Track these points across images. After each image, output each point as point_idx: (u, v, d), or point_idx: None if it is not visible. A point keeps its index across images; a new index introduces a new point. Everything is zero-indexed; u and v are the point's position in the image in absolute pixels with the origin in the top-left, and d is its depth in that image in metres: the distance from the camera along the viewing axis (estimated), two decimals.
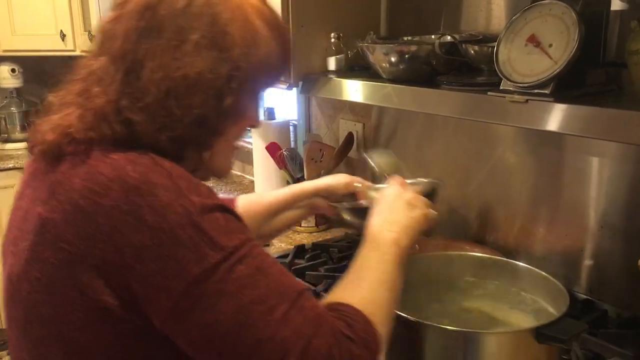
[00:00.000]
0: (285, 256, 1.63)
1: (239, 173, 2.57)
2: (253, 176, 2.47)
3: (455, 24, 1.55)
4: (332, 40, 1.62)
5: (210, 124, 0.79)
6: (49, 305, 0.75)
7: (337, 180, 1.18)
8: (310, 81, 1.60)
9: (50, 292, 0.74)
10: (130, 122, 0.75)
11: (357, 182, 1.16)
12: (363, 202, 1.10)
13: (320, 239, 1.80)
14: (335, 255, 1.62)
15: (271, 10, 0.84)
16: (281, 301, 0.72)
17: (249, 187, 2.38)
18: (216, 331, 0.70)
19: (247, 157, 2.49)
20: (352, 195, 1.15)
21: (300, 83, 1.62)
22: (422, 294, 1.13)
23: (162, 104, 0.75)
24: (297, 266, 1.55)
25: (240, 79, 0.78)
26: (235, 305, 0.70)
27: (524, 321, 1.05)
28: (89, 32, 2.77)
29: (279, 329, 0.71)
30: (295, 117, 2.16)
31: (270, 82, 0.86)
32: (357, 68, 1.65)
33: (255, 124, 0.89)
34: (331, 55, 1.62)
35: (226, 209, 0.75)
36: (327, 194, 1.18)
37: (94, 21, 2.73)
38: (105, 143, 0.75)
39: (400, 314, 0.95)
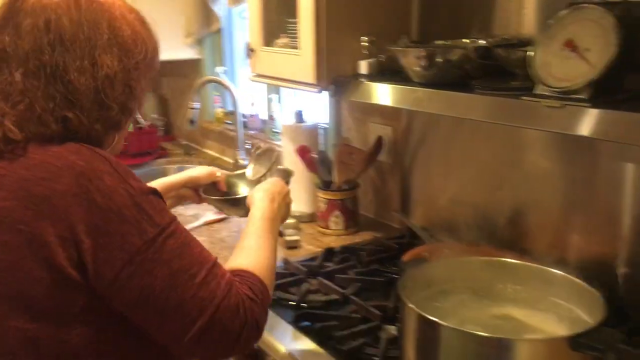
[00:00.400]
0: (314, 259, 1.64)
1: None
2: None
3: (486, 27, 1.54)
4: (364, 43, 1.62)
5: (128, 110, 0.97)
6: (13, 284, 0.85)
7: (199, 171, 1.38)
8: (341, 84, 1.60)
9: (14, 272, 0.85)
10: (65, 119, 0.89)
11: (217, 172, 1.37)
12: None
13: (349, 242, 1.80)
14: (365, 258, 1.61)
15: (137, 11, 1.02)
16: (200, 269, 0.90)
17: None
18: (151, 292, 0.86)
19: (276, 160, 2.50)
20: (214, 184, 1.38)
21: (331, 86, 1.62)
22: (453, 300, 1.12)
23: (94, 100, 0.91)
24: (326, 269, 1.56)
25: (140, 69, 0.97)
26: (166, 272, 0.87)
27: (558, 329, 1.03)
28: None
29: (199, 291, 0.88)
30: (325, 120, 2.16)
31: (157, 67, 1.03)
32: (388, 72, 1.65)
33: (142, 106, 1.06)
34: (362, 59, 1.62)
35: (156, 192, 0.92)
36: (193, 185, 1.37)
37: None
38: (39, 140, 0.88)
39: (432, 319, 0.95)
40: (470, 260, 1.20)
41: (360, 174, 1.87)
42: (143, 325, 0.90)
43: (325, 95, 1.91)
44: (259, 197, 1.19)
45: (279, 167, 1.38)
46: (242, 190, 1.42)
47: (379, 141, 1.84)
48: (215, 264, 0.94)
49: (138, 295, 0.87)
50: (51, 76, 0.89)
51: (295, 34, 1.76)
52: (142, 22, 1.01)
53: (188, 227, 1.94)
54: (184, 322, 0.88)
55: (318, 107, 2.28)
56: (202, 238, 1.86)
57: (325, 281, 1.46)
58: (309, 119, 2.04)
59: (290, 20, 1.78)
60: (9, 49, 0.90)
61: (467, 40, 1.43)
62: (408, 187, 1.85)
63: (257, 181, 1.37)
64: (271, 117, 2.52)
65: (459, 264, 1.18)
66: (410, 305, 0.99)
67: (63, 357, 0.88)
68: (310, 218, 2.01)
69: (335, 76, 1.62)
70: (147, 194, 0.90)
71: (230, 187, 1.43)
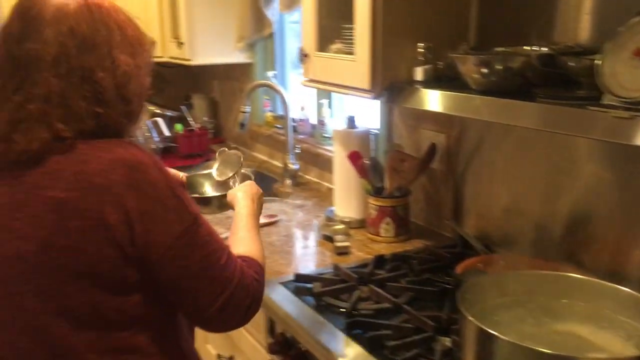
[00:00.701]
0: (364, 265, 1.63)
1: (317, 180, 2.59)
2: (331, 184, 2.48)
3: (545, 34, 1.50)
4: (420, 50, 1.60)
5: (142, 103, 1.09)
6: (82, 262, 0.96)
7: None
8: (396, 91, 1.59)
9: (82, 252, 0.96)
10: (97, 115, 0.99)
11: (182, 174, 1.44)
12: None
13: (400, 250, 1.78)
14: (416, 267, 1.59)
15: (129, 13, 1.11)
16: (222, 254, 1.05)
17: (327, 194, 2.39)
18: (187, 272, 1.01)
19: (325, 165, 2.50)
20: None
21: (386, 93, 1.61)
22: (512, 314, 1.10)
23: (117, 95, 1.01)
24: (378, 276, 1.54)
25: (146, 64, 1.08)
26: (199, 256, 1.02)
27: (625, 349, 0.99)
28: (177, 39, 2.87)
29: (223, 272, 1.04)
30: (376, 126, 2.15)
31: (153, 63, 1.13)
32: (444, 79, 1.63)
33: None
34: (418, 65, 1.60)
35: (184, 185, 1.13)
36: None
37: (184, 29, 2.82)
38: (81, 136, 0.98)
39: (493, 333, 0.92)
40: (531, 274, 1.17)
41: (412, 181, 1.85)
42: (176, 298, 1.05)
43: (377, 101, 1.90)
44: (241, 197, 1.34)
45: (242, 170, 1.49)
46: (208, 189, 1.53)
47: (432, 148, 1.82)
48: (230, 251, 1.08)
49: (176, 274, 1.01)
50: (80, 77, 0.99)
51: (350, 39, 1.75)
52: (136, 22, 1.11)
53: None
54: (210, 298, 1.03)
55: (369, 113, 2.27)
56: None
57: (377, 289, 1.45)
58: (361, 125, 2.03)
59: (345, 25, 1.78)
60: (37, 56, 0.98)
61: (528, 48, 1.39)
62: (461, 196, 1.82)
63: (224, 182, 1.48)
64: (321, 122, 2.53)
65: (519, 277, 1.15)
66: (471, 318, 0.97)
67: (121, 323, 1.01)
68: (360, 224, 1.99)
69: (390, 82, 1.61)
70: (181, 187, 1.06)
71: (195, 186, 1.51)
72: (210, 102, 3.51)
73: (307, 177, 2.63)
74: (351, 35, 1.75)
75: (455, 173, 1.83)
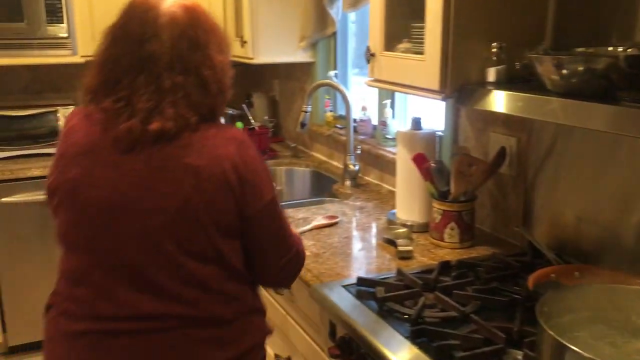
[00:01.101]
0: (429, 271, 1.58)
1: (377, 182, 2.55)
2: (392, 186, 2.44)
3: (627, 34, 1.41)
4: (494, 50, 1.54)
5: (229, 92, 1.31)
6: (213, 215, 1.21)
7: None
8: (467, 92, 1.54)
9: (212, 207, 1.21)
10: (207, 103, 1.24)
11: None
12: None
13: (465, 256, 1.73)
14: (483, 275, 1.54)
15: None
16: (289, 227, 1.38)
17: (387, 197, 2.35)
18: (267, 233, 1.31)
19: (386, 167, 2.46)
20: None
21: (456, 94, 1.56)
22: (592, 329, 1.03)
23: (218, 88, 1.26)
24: (443, 284, 1.49)
25: (229, 61, 1.32)
26: (277, 223, 1.32)
27: None
28: (241, 38, 2.88)
29: (291, 237, 1.37)
30: (441, 128, 2.10)
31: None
32: (517, 80, 1.57)
33: None
34: (490, 66, 1.55)
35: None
36: None
37: (247, 28, 2.83)
38: (201, 122, 1.23)
39: (576, 350, 0.87)
40: (613, 288, 1.10)
41: (479, 185, 1.79)
42: (252, 254, 1.31)
43: (442, 102, 1.85)
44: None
45: None
46: None
47: (502, 152, 1.75)
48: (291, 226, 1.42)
49: (258, 234, 1.29)
50: (193, 73, 1.22)
51: (419, 39, 1.71)
52: (213, 17, 1.31)
53: (298, 230, 1.94)
54: (276, 258, 1.34)
55: (434, 114, 2.22)
56: (310, 242, 1.86)
57: (443, 296, 1.40)
58: (426, 126, 1.98)
59: (415, 24, 1.74)
60: (158, 56, 1.21)
61: (611, 48, 1.32)
62: (531, 202, 1.75)
63: None
64: (383, 123, 2.49)
65: (600, 291, 1.08)
66: (550, 332, 0.92)
67: (224, 259, 1.25)
68: (423, 228, 1.94)
69: (460, 83, 1.56)
70: (268, 165, 1.36)
71: None
72: (270, 101, 3.52)
73: (367, 178, 2.60)
74: (421, 35, 1.71)
75: (526, 178, 1.76)
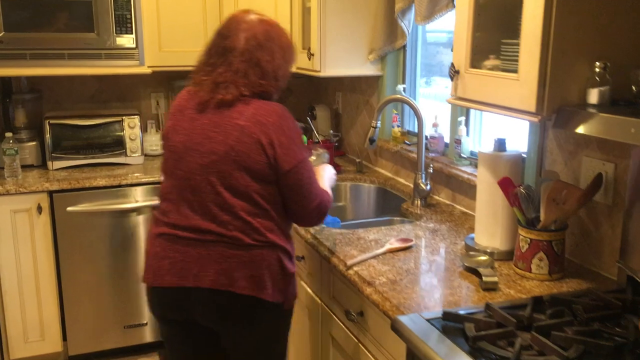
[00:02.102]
0: (520, 307, 1.46)
1: (449, 202, 2.44)
2: (465, 207, 2.32)
3: None
4: (597, 70, 1.42)
5: (284, 83, 1.82)
6: (247, 162, 1.67)
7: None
8: (566, 115, 1.42)
9: (247, 156, 1.67)
10: (261, 84, 1.73)
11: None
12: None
13: (556, 291, 1.60)
14: (581, 314, 1.41)
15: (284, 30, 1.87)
16: (317, 182, 1.81)
17: (461, 219, 2.24)
18: (301, 182, 1.73)
19: (459, 187, 2.35)
20: None
21: (554, 116, 1.45)
22: None
23: (272, 76, 1.76)
24: (539, 322, 1.37)
25: (290, 62, 1.83)
26: (307, 177, 1.75)
27: None
28: (308, 50, 2.83)
29: (317, 189, 1.80)
30: (524, 149, 1.97)
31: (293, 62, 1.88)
32: (621, 102, 1.45)
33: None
34: (592, 86, 1.43)
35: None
36: None
37: (315, 40, 2.77)
38: (254, 97, 1.72)
39: None
40: None
41: (571, 214, 1.66)
42: (290, 197, 1.75)
43: (524, 122, 1.74)
44: (321, 168, 2.07)
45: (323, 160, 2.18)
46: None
47: (599, 179, 1.62)
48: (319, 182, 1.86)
49: (293, 183, 1.72)
50: (255, 63, 1.73)
51: (510, 56, 1.60)
52: (287, 35, 1.84)
53: (371, 254, 1.85)
54: (309, 200, 1.77)
55: (513, 133, 2.10)
56: (385, 267, 1.77)
57: (541, 338, 1.28)
58: (510, 148, 1.86)
59: (506, 41, 1.63)
60: (232, 48, 1.73)
61: None
62: (629, 234, 1.61)
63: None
64: (457, 141, 2.38)
65: None
66: None
67: (252, 197, 1.70)
68: (505, 256, 1.83)
69: (559, 105, 1.44)
70: (302, 136, 1.96)
71: None
72: (333, 113, 3.45)
73: (437, 198, 2.49)
74: (511, 52, 1.60)
75: (625, 208, 1.63)
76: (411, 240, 1.96)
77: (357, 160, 2.99)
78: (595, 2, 1.41)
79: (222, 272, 1.68)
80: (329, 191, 1.88)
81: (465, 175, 2.28)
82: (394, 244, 1.94)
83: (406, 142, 2.75)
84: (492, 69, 1.68)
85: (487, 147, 1.89)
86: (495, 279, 1.63)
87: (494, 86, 1.60)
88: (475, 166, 2.34)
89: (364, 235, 2.07)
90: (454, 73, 1.74)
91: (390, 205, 2.66)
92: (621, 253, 1.63)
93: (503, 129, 2.27)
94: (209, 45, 1.78)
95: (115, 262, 2.95)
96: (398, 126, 2.86)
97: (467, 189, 2.32)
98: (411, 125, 2.91)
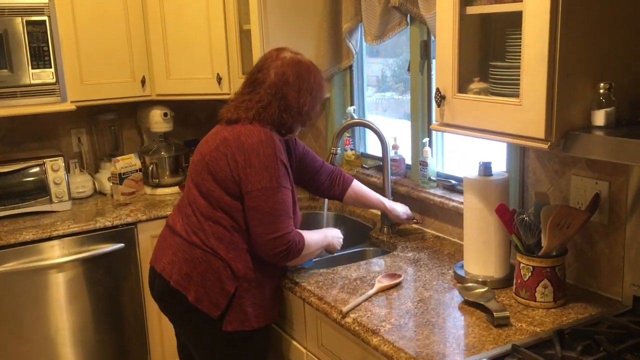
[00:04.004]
0: (547, 343, 1.38)
1: (417, 226, 2.35)
2: (436, 231, 2.25)
3: None
4: (602, 91, 1.38)
5: (309, 120, 1.96)
6: (214, 167, 1.84)
7: (400, 211, 2.25)
8: (574, 139, 1.36)
9: (216, 162, 1.84)
10: (282, 117, 1.88)
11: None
12: None
13: (565, 318, 1.55)
14: (610, 347, 1.35)
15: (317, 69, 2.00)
16: (286, 217, 1.82)
17: (436, 244, 2.16)
18: (259, 209, 1.79)
19: (427, 210, 2.27)
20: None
21: (562, 141, 1.38)
22: None
23: (296, 112, 1.89)
24: None
25: (317, 103, 1.95)
26: (270, 206, 1.79)
27: None
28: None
29: (280, 223, 1.80)
30: (501, 169, 1.92)
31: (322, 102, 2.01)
32: (624, 122, 1.41)
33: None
34: (598, 108, 1.38)
35: (285, 165, 1.84)
36: (386, 213, 2.26)
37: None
38: (267, 124, 1.87)
39: None
40: None
41: (571, 238, 1.61)
42: (250, 220, 1.81)
43: (500, 144, 1.69)
44: (326, 229, 2.13)
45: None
46: None
47: (597, 199, 1.59)
48: (291, 221, 1.84)
49: (254, 205, 1.79)
50: (280, 97, 1.86)
51: (499, 79, 1.54)
52: (318, 71, 1.96)
53: (363, 296, 1.72)
54: (264, 230, 1.79)
55: (478, 151, 2.04)
56: (384, 310, 1.65)
57: None
58: (497, 172, 1.80)
59: (495, 64, 1.56)
60: (262, 81, 1.88)
61: None
62: (627, 252, 1.58)
63: None
64: (423, 163, 2.30)
65: None
66: None
67: (218, 209, 1.84)
68: (499, 284, 1.76)
69: (566, 129, 1.38)
70: (281, 164, 1.82)
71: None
72: None
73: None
74: (502, 75, 1.53)
75: (621, 226, 1.60)
76: (400, 276, 1.85)
77: None
78: (596, 22, 1.37)
79: (170, 262, 1.88)
80: (310, 241, 1.88)
81: (437, 199, 2.20)
82: (382, 281, 1.82)
83: (364, 165, 2.65)
84: (479, 92, 1.60)
85: (471, 171, 1.81)
86: (507, 313, 1.54)
87: (489, 112, 1.53)
88: (444, 188, 2.28)
89: (345, 274, 1.93)
90: (440, 99, 1.65)
91: (354, 234, 2.53)
92: (622, 272, 1.61)
93: (469, 148, 2.22)
94: (245, 78, 1.97)
95: (47, 328, 2.61)
96: (352, 149, 2.75)
97: (437, 211, 2.25)
98: (363, 147, 2.81)
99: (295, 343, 1.99)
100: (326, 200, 2.35)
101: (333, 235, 2.05)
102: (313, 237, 1.91)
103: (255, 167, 1.77)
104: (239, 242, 1.83)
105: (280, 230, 1.78)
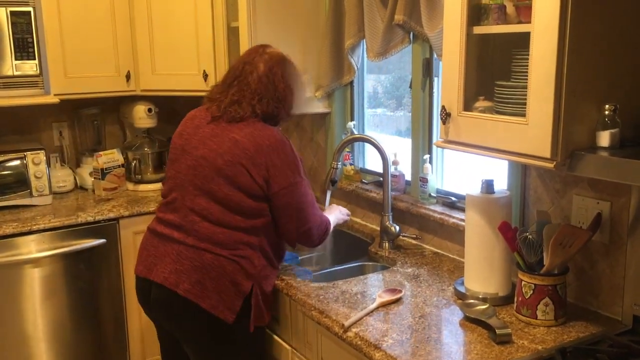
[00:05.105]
0: None
1: (416, 242, 2.36)
2: (435, 248, 2.25)
3: None
4: (607, 112, 1.40)
5: (291, 112, 2.01)
6: (232, 171, 1.83)
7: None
8: (580, 159, 1.38)
9: (234, 166, 1.83)
10: (275, 106, 1.93)
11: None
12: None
13: (566, 337, 1.56)
14: None
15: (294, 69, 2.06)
16: (312, 206, 1.96)
17: (435, 260, 2.17)
18: (288, 206, 1.89)
19: (426, 226, 2.28)
20: None
21: (568, 161, 1.40)
22: None
23: (286, 103, 1.97)
24: None
25: (294, 94, 2.00)
26: (297, 200, 1.89)
27: None
28: None
29: (309, 215, 1.94)
30: (502, 188, 1.94)
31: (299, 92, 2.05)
32: (627, 143, 1.43)
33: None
34: (604, 129, 1.40)
35: (299, 158, 1.93)
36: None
37: None
38: (260, 118, 1.91)
39: None
40: None
41: (573, 256, 1.63)
42: (277, 218, 1.90)
43: (503, 161, 1.71)
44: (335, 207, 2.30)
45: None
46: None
47: (599, 219, 1.61)
48: (317, 206, 1.99)
49: (281, 204, 1.87)
50: (272, 88, 1.93)
51: (505, 98, 1.56)
52: (296, 67, 2.03)
53: (365, 311, 1.72)
54: (294, 226, 1.91)
55: (480, 169, 2.06)
56: (385, 325, 1.65)
57: None
58: (499, 189, 1.81)
59: (500, 82, 1.58)
60: (250, 72, 1.93)
61: None
62: (628, 271, 1.60)
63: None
64: (423, 179, 2.31)
65: None
66: None
67: (238, 213, 1.85)
68: (500, 301, 1.77)
69: (572, 149, 1.40)
70: (297, 158, 1.91)
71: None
72: None
73: (403, 239, 2.40)
74: (507, 94, 1.56)
75: (622, 245, 1.62)
76: (400, 291, 1.85)
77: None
78: (603, 44, 1.40)
79: (174, 272, 1.83)
80: (332, 220, 2.10)
81: (437, 215, 2.21)
82: (383, 296, 1.82)
83: (363, 181, 2.66)
84: (484, 111, 1.62)
85: (473, 188, 1.83)
86: (509, 330, 1.55)
87: (495, 130, 1.54)
88: (443, 204, 2.29)
89: (346, 288, 1.93)
90: (445, 116, 1.67)
91: (353, 248, 2.54)
92: (623, 291, 1.62)
93: (470, 165, 2.24)
94: (229, 68, 2.02)
95: (24, 322, 2.58)
96: (351, 164, 2.76)
97: (437, 228, 2.26)
98: (362, 163, 2.83)
99: (296, 357, 1.98)
100: (328, 194, 2.39)
101: (341, 212, 2.28)
102: (331, 219, 2.10)
103: (278, 166, 1.82)
104: (254, 241, 1.86)
105: (310, 221, 1.92)
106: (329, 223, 2.04)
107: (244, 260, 1.84)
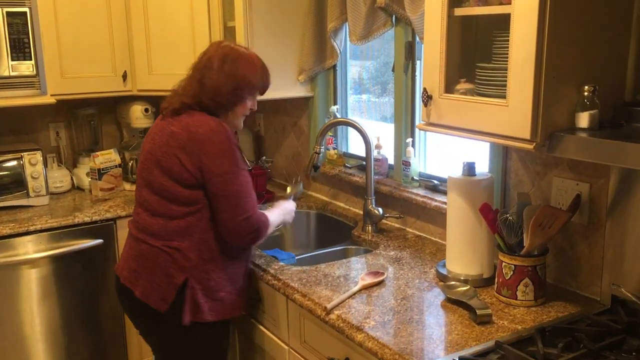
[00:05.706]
0: (527, 341, 1.41)
1: (399, 226, 2.37)
2: (417, 231, 2.27)
3: None
4: (586, 93, 1.41)
5: (231, 105, 1.93)
6: (167, 163, 1.84)
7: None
8: (559, 140, 1.39)
9: (168, 157, 1.84)
10: (200, 98, 1.88)
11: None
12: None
13: (545, 317, 1.58)
14: (590, 345, 1.38)
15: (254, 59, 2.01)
16: (250, 198, 1.86)
17: (418, 243, 2.18)
18: (223, 194, 1.82)
19: (409, 210, 2.29)
20: None
21: (547, 142, 1.41)
22: None
23: (213, 93, 1.88)
24: (556, 359, 1.32)
25: (242, 88, 1.92)
26: (236, 188, 1.82)
27: None
28: None
29: (245, 205, 1.83)
30: (485, 171, 1.95)
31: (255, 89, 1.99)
32: (606, 124, 1.44)
33: (248, 111, 2.00)
34: (583, 110, 1.41)
35: (239, 148, 1.87)
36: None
37: None
38: (198, 109, 1.88)
39: None
40: None
41: (553, 237, 1.64)
42: (217, 207, 1.83)
43: (477, 142, 1.71)
44: (282, 203, 2.20)
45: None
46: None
47: (578, 200, 1.62)
48: (255, 203, 1.88)
49: (219, 191, 1.81)
50: (197, 80, 1.91)
51: (486, 80, 1.56)
52: (253, 68, 1.95)
53: (347, 294, 1.73)
54: (230, 216, 1.82)
55: (461, 151, 2.07)
56: (368, 307, 1.66)
57: None
58: (481, 172, 1.82)
59: (481, 65, 1.59)
60: (209, 67, 1.91)
61: None
62: (606, 252, 1.62)
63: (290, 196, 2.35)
64: (405, 162, 2.32)
65: None
66: None
67: (173, 203, 1.85)
68: (481, 283, 1.79)
69: (551, 130, 1.41)
70: (236, 147, 1.85)
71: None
72: (254, 136, 3.28)
73: (385, 222, 2.41)
74: (488, 76, 1.56)
75: (602, 227, 1.64)
76: (383, 274, 1.86)
77: (284, 184, 2.85)
78: (583, 26, 1.40)
79: (123, 259, 1.96)
80: (272, 219, 1.96)
81: (419, 198, 2.22)
82: (365, 279, 1.83)
83: (346, 165, 2.66)
84: (465, 93, 1.63)
85: (455, 171, 1.84)
86: (489, 311, 1.57)
87: (476, 112, 1.55)
88: (426, 188, 2.30)
89: (329, 271, 1.93)
90: (427, 99, 1.67)
91: (336, 232, 2.54)
92: (601, 272, 1.64)
93: (451, 149, 2.25)
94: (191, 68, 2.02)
95: (23, 325, 2.57)
96: (334, 148, 2.76)
97: (419, 211, 2.27)
98: (345, 147, 2.82)
99: (277, 340, 1.99)
100: (289, 189, 2.42)
101: (287, 210, 2.15)
102: (273, 216, 2.00)
103: (212, 154, 1.79)
104: (191, 233, 1.84)
105: (247, 211, 1.82)
106: (269, 221, 1.91)
107: (177, 252, 1.84)
